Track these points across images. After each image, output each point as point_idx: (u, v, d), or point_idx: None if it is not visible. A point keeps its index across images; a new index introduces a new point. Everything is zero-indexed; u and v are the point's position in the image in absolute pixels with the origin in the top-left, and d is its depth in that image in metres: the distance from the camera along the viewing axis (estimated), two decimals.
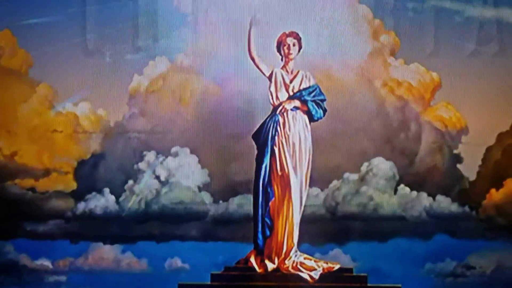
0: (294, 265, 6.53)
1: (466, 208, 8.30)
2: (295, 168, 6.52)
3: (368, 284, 6.48)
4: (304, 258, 6.58)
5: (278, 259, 6.54)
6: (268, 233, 6.55)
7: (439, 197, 8.32)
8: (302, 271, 6.50)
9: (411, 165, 8.32)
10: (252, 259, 6.58)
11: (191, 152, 8.29)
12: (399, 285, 6.33)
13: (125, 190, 8.37)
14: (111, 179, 8.41)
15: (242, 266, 6.60)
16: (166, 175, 8.37)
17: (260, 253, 6.57)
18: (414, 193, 8.26)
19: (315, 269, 6.53)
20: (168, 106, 8.18)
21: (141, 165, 8.34)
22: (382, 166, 8.27)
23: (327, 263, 6.63)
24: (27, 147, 8.37)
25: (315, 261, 6.61)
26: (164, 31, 8.06)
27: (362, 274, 6.70)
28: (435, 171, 8.38)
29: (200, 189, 8.35)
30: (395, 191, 8.28)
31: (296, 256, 6.56)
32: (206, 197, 8.35)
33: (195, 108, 8.20)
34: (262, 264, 6.55)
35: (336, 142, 8.26)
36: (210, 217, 8.32)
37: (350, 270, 6.72)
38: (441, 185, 8.39)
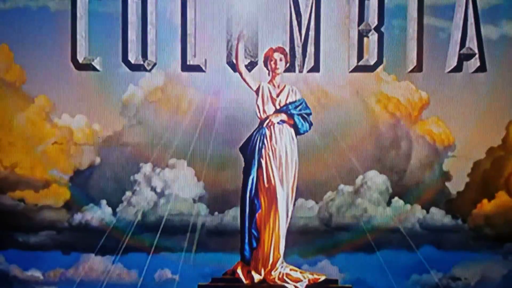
0: (280, 276, 6.63)
1: (455, 219, 8.38)
2: (281, 180, 6.63)
3: None
4: (290, 270, 6.69)
5: (265, 270, 6.64)
6: (254, 244, 6.65)
7: (433, 209, 8.39)
8: (288, 283, 6.60)
9: (402, 178, 8.40)
10: (239, 271, 6.68)
11: (188, 165, 8.36)
12: None
13: (122, 201, 8.42)
14: (108, 190, 8.44)
15: (229, 277, 6.70)
16: (163, 187, 8.43)
17: (247, 265, 6.67)
18: (408, 205, 8.35)
19: (301, 280, 6.63)
20: (164, 118, 8.25)
21: (138, 177, 8.39)
22: (376, 180, 8.35)
23: (312, 274, 6.73)
24: (27, 158, 8.41)
25: (301, 272, 6.71)
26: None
27: (347, 286, 6.81)
28: (425, 183, 8.46)
29: (195, 201, 8.41)
30: (388, 203, 8.36)
31: (282, 267, 6.65)
32: (202, 208, 8.41)
33: (191, 120, 8.27)
34: (248, 275, 6.65)
35: (331, 157, 8.33)
36: (204, 229, 8.39)
37: (335, 281, 6.83)
38: (431, 196, 8.46)
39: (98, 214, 8.41)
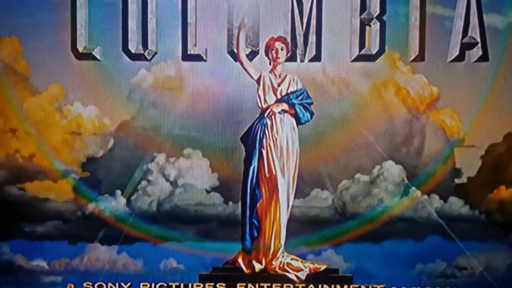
0: (281, 265, 6.67)
1: (472, 210, 8.33)
2: (282, 170, 6.66)
3: (354, 284, 6.60)
4: (291, 259, 6.72)
5: (266, 260, 6.67)
6: (255, 234, 6.68)
7: (451, 199, 8.35)
8: (289, 272, 6.63)
9: (417, 168, 8.36)
10: (240, 260, 6.71)
11: (203, 155, 8.36)
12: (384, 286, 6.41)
13: (138, 190, 8.44)
14: (121, 180, 8.46)
15: (229, 266, 6.74)
16: (177, 177, 8.43)
17: (248, 254, 6.70)
18: (425, 196, 8.31)
19: (301, 270, 6.66)
20: (178, 107, 8.25)
21: (151, 166, 8.40)
22: (392, 170, 8.32)
23: (313, 264, 6.76)
24: (42, 149, 8.43)
25: (302, 261, 6.74)
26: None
27: (348, 275, 6.81)
28: (439, 172, 8.41)
29: (208, 191, 8.41)
30: (403, 194, 8.33)
31: (283, 256, 6.68)
32: (217, 198, 8.41)
33: (203, 109, 8.26)
34: (249, 265, 6.68)
35: (346, 146, 8.31)
36: (215, 219, 8.40)
37: (336, 270, 6.84)
38: (444, 185, 8.41)
39: (111, 204, 8.44)
